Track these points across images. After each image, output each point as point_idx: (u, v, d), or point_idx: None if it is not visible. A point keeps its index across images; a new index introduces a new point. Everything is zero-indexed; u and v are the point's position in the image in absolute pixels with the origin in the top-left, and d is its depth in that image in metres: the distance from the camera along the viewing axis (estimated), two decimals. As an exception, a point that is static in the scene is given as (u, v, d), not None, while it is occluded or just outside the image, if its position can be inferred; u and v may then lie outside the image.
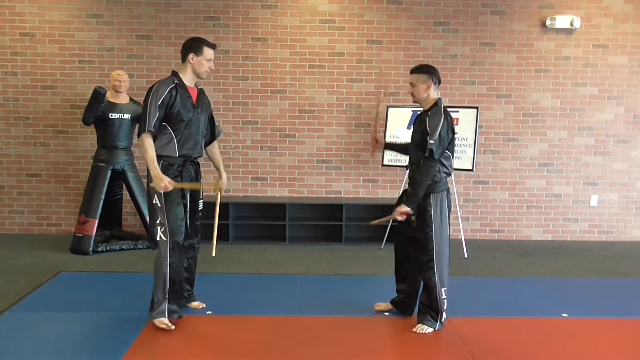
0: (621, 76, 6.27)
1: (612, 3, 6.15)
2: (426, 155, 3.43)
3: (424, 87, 3.53)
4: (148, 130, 3.39)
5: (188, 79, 3.55)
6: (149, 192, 3.51)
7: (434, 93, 3.56)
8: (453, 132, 3.50)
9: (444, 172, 3.54)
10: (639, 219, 6.46)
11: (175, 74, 3.54)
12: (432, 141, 3.38)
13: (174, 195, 3.48)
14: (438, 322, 3.60)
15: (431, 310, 3.62)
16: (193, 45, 3.51)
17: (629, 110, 6.32)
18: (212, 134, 3.86)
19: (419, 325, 3.61)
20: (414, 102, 3.65)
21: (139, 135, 3.47)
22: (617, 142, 6.36)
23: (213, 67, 3.62)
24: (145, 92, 3.51)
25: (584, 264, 5.46)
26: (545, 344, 3.45)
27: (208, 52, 3.52)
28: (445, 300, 3.58)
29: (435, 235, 3.51)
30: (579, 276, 5.04)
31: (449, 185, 3.62)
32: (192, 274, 3.91)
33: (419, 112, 3.70)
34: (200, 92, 3.67)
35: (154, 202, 3.48)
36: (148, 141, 3.40)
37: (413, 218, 3.57)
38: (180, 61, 3.58)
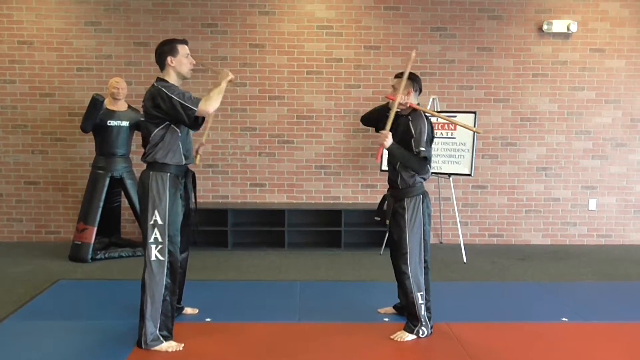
0: (618, 80, 6.29)
1: (608, 7, 6.18)
2: (421, 157, 3.49)
3: (404, 92, 3.58)
4: (197, 104, 3.24)
5: (173, 83, 3.40)
6: (147, 211, 3.32)
7: (413, 100, 3.62)
8: (433, 137, 3.62)
9: (420, 177, 3.60)
10: (637, 223, 6.46)
11: (163, 80, 3.37)
12: (422, 148, 3.46)
13: (178, 209, 3.40)
14: (418, 329, 3.56)
15: (409, 316, 3.62)
16: (166, 49, 3.37)
17: (627, 114, 6.34)
18: None
19: (398, 332, 3.60)
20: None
21: (193, 119, 3.27)
22: (615, 145, 6.37)
23: (194, 62, 3.50)
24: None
25: (583, 267, 5.46)
26: (545, 348, 3.45)
27: (183, 48, 3.40)
28: (423, 306, 3.56)
29: (409, 238, 3.55)
30: (578, 280, 5.04)
31: (425, 189, 3.66)
32: (181, 288, 3.78)
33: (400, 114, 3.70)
34: None
35: (153, 219, 3.30)
36: (208, 101, 3.27)
37: (387, 222, 3.65)
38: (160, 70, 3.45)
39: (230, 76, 3.44)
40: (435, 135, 5.55)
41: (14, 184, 6.21)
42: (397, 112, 3.69)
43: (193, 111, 3.25)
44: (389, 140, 3.44)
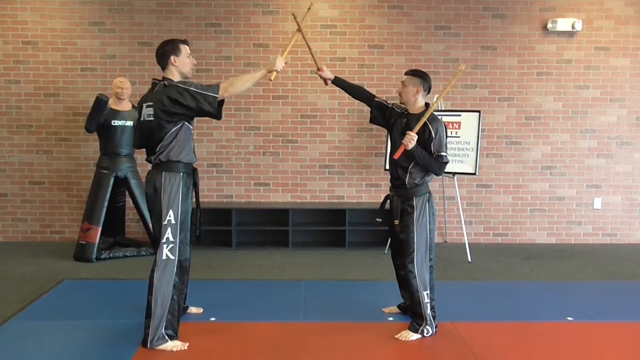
0: (623, 78, 6.26)
1: (613, 5, 6.16)
2: (443, 161, 3.54)
3: (413, 91, 3.60)
4: (218, 90, 3.25)
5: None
6: (160, 211, 3.32)
7: (421, 99, 3.64)
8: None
9: (428, 176, 3.62)
10: (643, 221, 6.45)
11: (169, 79, 3.37)
12: (444, 153, 3.53)
13: (189, 208, 3.40)
14: (423, 328, 3.56)
15: (414, 315, 3.61)
16: (169, 49, 3.37)
17: (632, 113, 6.31)
18: None
19: (403, 332, 3.59)
20: (400, 102, 3.73)
21: (216, 105, 3.26)
22: (620, 144, 6.34)
23: (195, 62, 3.52)
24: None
25: (589, 266, 5.44)
26: (550, 348, 3.44)
27: (185, 48, 3.41)
28: (428, 305, 3.55)
29: (417, 237, 3.55)
30: (583, 279, 5.02)
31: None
32: (186, 288, 3.76)
33: (404, 112, 3.71)
34: None
35: (167, 219, 3.30)
36: (229, 82, 3.31)
37: (397, 222, 3.63)
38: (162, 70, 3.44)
39: (276, 67, 3.44)
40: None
41: (18, 184, 6.23)
42: (406, 111, 3.69)
43: (214, 97, 3.25)
44: (413, 143, 3.44)
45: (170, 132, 3.32)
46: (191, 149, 3.44)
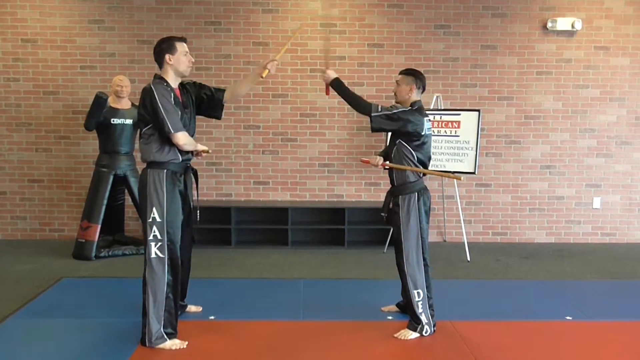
0: (623, 78, 6.26)
1: (613, 5, 6.15)
2: (371, 104, 3.55)
3: (406, 89, 3.61)
4: (177, 130, 3.26)
5: (172, 81, 3.39)
6: (146, 208, 3.33)
7: (415, 97, 3.64)
8: (420, 131, 3.52)
9: (415, 174, 3.60)
10: (642, 221, 6.45)
11: (160, 78, 3.37)
12: (379, 110, 3.51)
13: (177, 206, 3.38)
14: (422, 326, 3.56)
15: (411, 314, 3.63)
16: (164, 46, 3.35)
17: (631, 112, 6.31)
18: (216, 93, 3.70)
19: (402, 330, 3.60)
20: (396, 101, 3.72)
21: (167, 138, 3.29)
22: (620, 143, 6.34)
23: (193, 60, 3.49)
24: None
25: (587, 266, 5.44)
26: (549, 347, 3.44)
27: (181, 46, 3.38)
28: (419, 303, 3.55)
29: (405, 236, 3.56)
30: (582, 279, 5.02)
31: (425, 185, 3.66)
32: (185, 286, 3.78)
33: None
34: (183, 90, 3.52)
35: (152, 216, 3.29)
36: (187, 137, 3.34)
37: (384, 218, 3.68)
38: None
39: (205, 149, 3.51)
40: (439, 134, 5.59)
41: (18, 181, 6.23)
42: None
43: (169, 131, 3.26)
44: (329, 73, 3.60)
45: (143, 131, 3.35)
46: (174, 147, 3.36)
